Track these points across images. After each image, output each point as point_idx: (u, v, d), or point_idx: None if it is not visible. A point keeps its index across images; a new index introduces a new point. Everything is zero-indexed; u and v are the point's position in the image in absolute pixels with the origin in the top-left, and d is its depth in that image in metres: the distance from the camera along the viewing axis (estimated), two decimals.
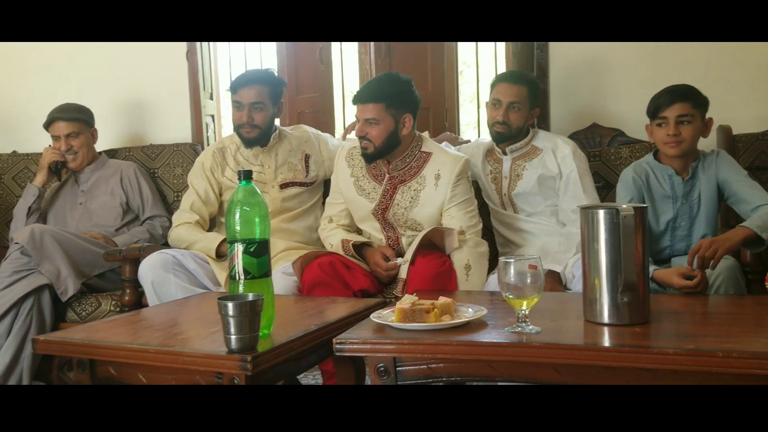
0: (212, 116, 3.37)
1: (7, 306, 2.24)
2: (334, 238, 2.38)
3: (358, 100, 2.22)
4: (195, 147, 3.00)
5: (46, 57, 3.30)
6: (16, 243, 2.35)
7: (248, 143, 2.50)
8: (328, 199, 2.49)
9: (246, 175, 1.57)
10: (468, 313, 1.54)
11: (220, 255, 2.36)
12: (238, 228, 1.53)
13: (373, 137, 2.20)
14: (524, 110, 2.34)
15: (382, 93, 2.19)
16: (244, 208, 1.54)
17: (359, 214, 2.37)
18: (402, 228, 2.30)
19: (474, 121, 5.76)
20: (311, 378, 2.71)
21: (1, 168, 3.18)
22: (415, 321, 1.47)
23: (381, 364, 1.44)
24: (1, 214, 3.01)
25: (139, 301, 2.32)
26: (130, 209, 2.78)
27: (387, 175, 2.28)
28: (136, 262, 2.31)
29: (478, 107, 5.03)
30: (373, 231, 2.36)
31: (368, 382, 1.76)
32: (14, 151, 3.24)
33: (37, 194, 2.73)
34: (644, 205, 1.55)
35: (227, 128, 3.74)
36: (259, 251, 1.53)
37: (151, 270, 2.20)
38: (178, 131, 3.18)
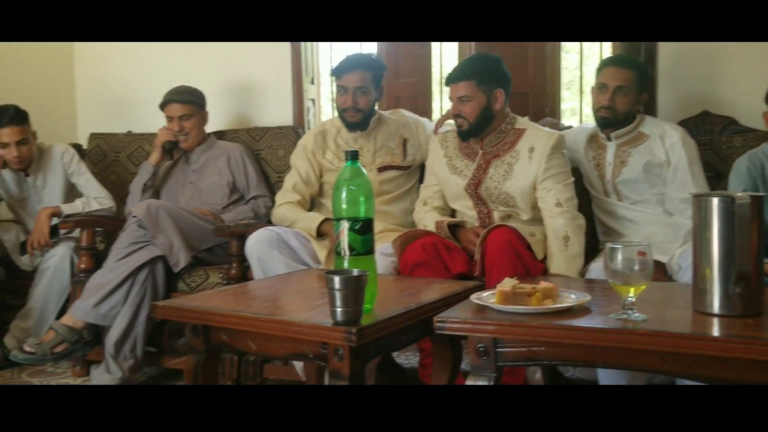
0: (313, 100, 3.46)
1: (125, 275, 2.39)
2: (427, 220, 2.41)
3: (450, 80, 2.30)
4: (296, 130, 3.09)
5: (160, 42, 3.47)
6: (134, 216, 2.50)
7: (351, 127, 2.55)
8: (422, 184, 2.53)
9: (352, 156, 1.62)
10: (571, 298, 1.53)
11: (320, 234, 2.44)
12: (344, 206, 1.58)
13: (467, 114, 2.25)
14: (631, 95, 2.27)
15: (472, 70, 2.25)
16: (350, 187, 1.59)
17: (451, 192, 2.40)
18: (494, 203, 2.31)
19: (570, 108, 5.62)
20: (404, 359, 2.76)
21: (117, 147, 3.40)
22: (516, 304, 1.48)
23: (481, 345, 1.46)
24: (117, 190, 3.21)
25: (244, 275, 2.43)
26: (236, 189, 2.91)
27: (480, 152, 2.32)
28: (242, 238, 2.42)
29: (581, 93, 4.90)
30: (466, 209, 2.38)
31: (466, 362, 1.79)
32: (129, 131, 3.45)
33: (152, 172, 2.90)
34: (762, 194, 1.49)
35: (326, 112, 3.82)
36: (364, 229, 1.58)
37: (257, 246, 2.30)
38: (281, 114, 3.29)
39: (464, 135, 2.30)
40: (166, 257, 2.45)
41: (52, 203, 2.92)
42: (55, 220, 2.82)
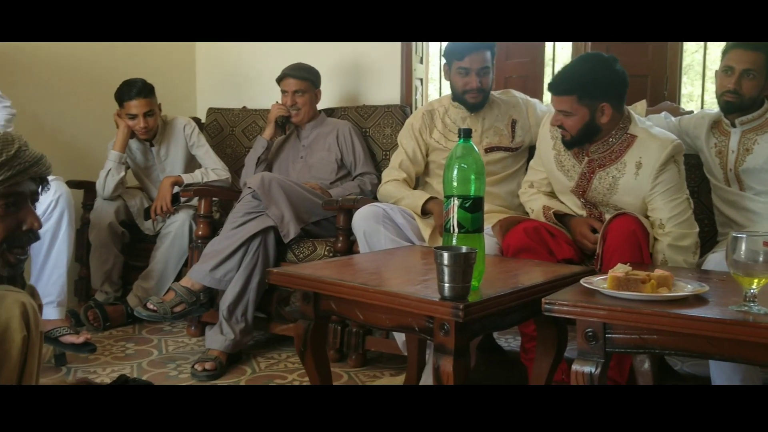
0: (421, 79, 3.48)
1: (240, 242, 2.51)
2: (535, 203, 2.37)
3: (551, 90, 2.13)
4: (404, 108, 3.12)
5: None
6: (249, 188, 2.62)
7: (472, 108, 2.55)
8: (531, 163, 2.48)
9: (465, 134, 1.63)
10: (687, 288, 1.48)
11: (424, 212, 2.46)
12: (455, 184, 1.60)
13: (568, 127, 2.11)
14: (759, 79, 2.13)
15: (574, 84, 2.06)
16: (462, 165, 1.60)
17: (559, 187, 2.33)
18: (605, 207, 2.22)
19: (687, 94, 5.33)
20: (503, 341, 2.75)
21: (232, 121, 3.56)
22: (629, 290, 1.45)
23: (590, 329, 1.44)
24: (232, 162, 3.37)
25: (350, 248, 2.50)
26: (344, 165, 2.98)
27: (586, 158, 2.19)
28: (349, 213, 2.49)
29: (703, 78, 4.64)
30: (575, 207, 2.30)
31: (571, 347, 1.77)
32: (244, 107, 3.60)
33: (266, 146, 3.02)
34: None
35: (433, 91, 3.83)
36: (474, 207, 1.59)
37: (363, 221, 2.36)
38: (389, 93, 3.33)
39: (568, 145, 2.18)
40: (277, 228, 2.56)
41: (174, 173, 3.10)
42: (176, 189, 3.00)
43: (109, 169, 2.97)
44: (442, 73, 2.76)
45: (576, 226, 2.20)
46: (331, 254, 2.53)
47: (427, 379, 2.07)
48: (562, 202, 2.35)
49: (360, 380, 2.35)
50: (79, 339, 2.43)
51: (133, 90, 2.97)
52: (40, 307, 1.37)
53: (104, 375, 2.35)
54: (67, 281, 2.53)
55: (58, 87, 3.29)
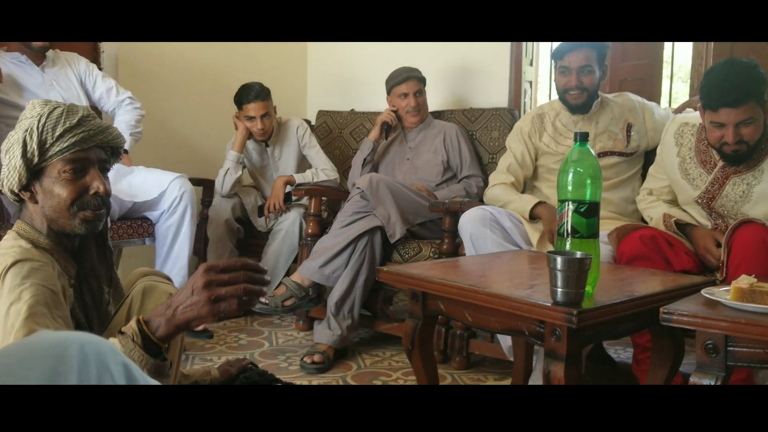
0: (530, 82, 3.44)
1: (348, 241, 2.59)
2: (654, 211, 2.29)
3: (726, 103, 1.93)
4: (512, 112, 3.10)
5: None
6: (358, 188, 2.69)
7: (574, 109, 2.50)
8: (651, 169, 2.39)
9: (582, 137, 1.61)
10: None
11: (532, 217, 2.43)
12: (569, 188, 1.58)
13: (749, 137, 1.96)
14: None
15: (750, 85, 1.92)
16: (578, 169, 1.58)
17: (682, 198, 2.24)
18: (732, 219, 2.10)
19: None
20: (612, 351, 2.67)
21: (341, 123, 3.66)
22: (754, 302, 1.38)
23: (710, 341, 1.38)
24: (339, 163, 3.47)
25: (455, 251, 2.51)
26: (450, 167, 3.00)
27: (720, 164, 2.08)
28: (455, 215, 2.51)
29: None
30: (699, 217, 2.20)
31: (687, 361, 1.70)
32: (352, 110, 3.69)
33: (371, 148, 3.09)
34: None
35: (542, 95, 3.77)
36: (589, 212, 1.57)
37: (470, 224, 2.36)
38: (497, 96, 3.31)
39: (741, 158, 2.02)
40: (383, 228, 2.61)
41: (287, 172, 3.23)
42: (288, 188, 3.13)
43: (228, 168, 3.13)
44: (553, 75, 2.72)
45: (700, 239, 2.09)
46: (436, 256, 2.55)
47: (534, 384, 2.05)
48: (684, 211, 2.25)
49: (464, 382, 2.36)
50: (199, 326, 2.58)
51: (251, 93, 3.12)
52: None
53: (219, 363, 2.48)
54: (187, 273, 2.69)
55: (182, 90, 3.52)
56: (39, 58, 2.71)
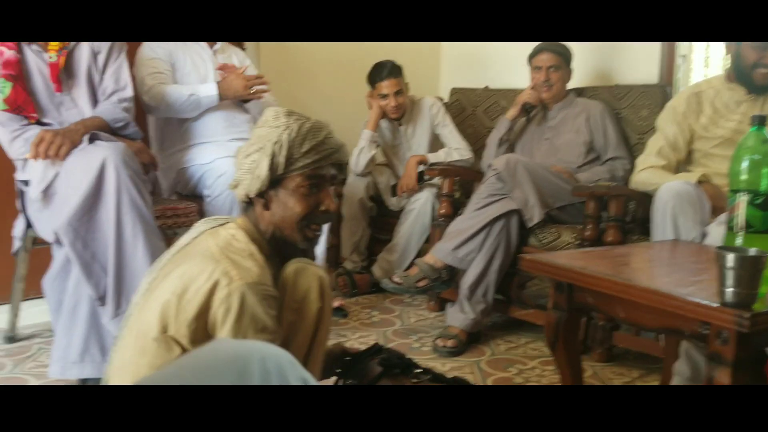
0: (684, 56, 3.17)
1: (482, 224, 2.52)
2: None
3: None
4: (664, 88, 2.88)
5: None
6: (494, 169, 2.60)
7: (757, 89, 2.26)
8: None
9: (759, 121, 1.45)
10: None
11: None
12: (743, 177, 1.44)
13: None
14: None
15: None
16: (754, 156, 1.43)
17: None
18: None
19: None
20: None
21: (474, 101, 3.57)
22: None
23: None
24: (473, 143, 3.38)
25: (599, 238, 2.38)
26: (593, 148, 2.84)
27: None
28: (600, 200, 2.37)
29: None
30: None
31: None
32: (486, 87, 3.59)
33: (509, 127, 2.98)
34: None
35: (698, 71, 3.47)
36: (766, 204, 1.42)
37: (674, 198, 2.10)
38: (646, 71, 3.08)
39: None
40: (520, 211, 2.52)
41: (419, 151, 3.21)
42: (421, 168, 3.10)
43: (362, 147, 3.15)
44: (724, 48, 2.43)
45: None
46: (578, 242, 2.43)
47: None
48: None
49: (606, 376, 2.24)
50: (336, 303, 2.63)
51: (384, 71, 3.11)
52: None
53: (354, 339, 2.53)
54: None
55: (320, 74, 3.57)
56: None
